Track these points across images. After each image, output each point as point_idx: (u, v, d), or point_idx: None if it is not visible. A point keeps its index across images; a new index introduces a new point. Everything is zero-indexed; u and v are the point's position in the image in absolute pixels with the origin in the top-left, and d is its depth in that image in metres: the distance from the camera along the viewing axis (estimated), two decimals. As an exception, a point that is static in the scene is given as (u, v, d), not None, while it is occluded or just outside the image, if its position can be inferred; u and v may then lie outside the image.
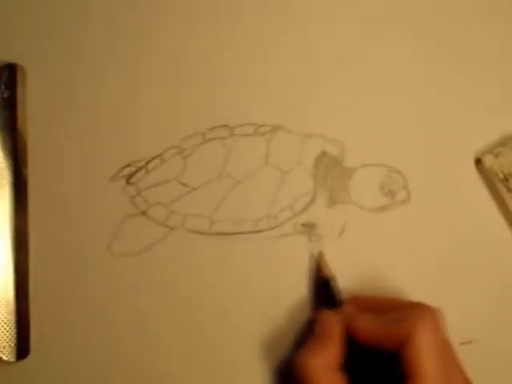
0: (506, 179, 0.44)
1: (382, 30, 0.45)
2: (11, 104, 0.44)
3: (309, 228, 0.45)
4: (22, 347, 0.43)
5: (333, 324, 0.41)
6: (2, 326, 0.43)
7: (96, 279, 0.44)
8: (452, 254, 0.45)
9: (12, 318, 0.43)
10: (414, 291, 0.45)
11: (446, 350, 0.39)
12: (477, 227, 0.45)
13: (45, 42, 0.44)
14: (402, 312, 0.40)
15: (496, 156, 0.44)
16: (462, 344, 0.44)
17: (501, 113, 0.46)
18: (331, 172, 0.45)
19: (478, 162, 0.45)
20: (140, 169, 0.44)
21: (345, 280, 0.44)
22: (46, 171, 0.44)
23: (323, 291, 0.43)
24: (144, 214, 0.44)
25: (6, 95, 0.43)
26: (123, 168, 0.44)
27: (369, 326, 0.40)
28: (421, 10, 0.46)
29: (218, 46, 0.45)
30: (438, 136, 0.45)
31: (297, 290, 0.44)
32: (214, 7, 0.45)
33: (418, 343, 0.38)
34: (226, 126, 0.45)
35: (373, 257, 0.45)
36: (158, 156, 0.44)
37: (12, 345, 0.43)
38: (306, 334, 0.42)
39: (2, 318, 0.43)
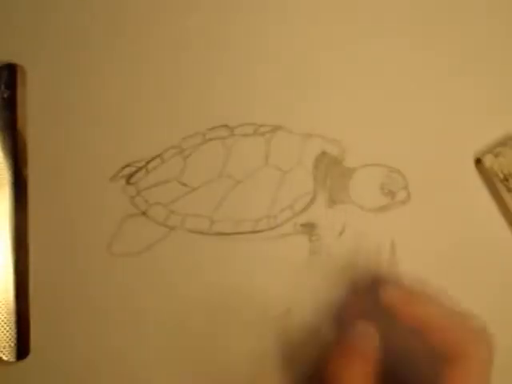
0: (506, 179, 0.44)
1: (382, 30, 0.45)
2: (11, 104, 0.44)
3: (309, 228, 0.45)
4: (22, 347, 0.43)
5: (370, 337, 0.39)
6: (2, 326, 0.43)
7: (96, 279, 0.44)
8: (452, 253, 0.45)
9: (12, 318, 0.43)
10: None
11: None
12: (477, 227, 0.45)
13: (45, 42, 0.44)
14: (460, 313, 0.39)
15: (496, 156, 0.44)
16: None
17: (501, 113, 0.46)
18: (331, 172, 0.45)
19: (478, 161, 0.45)
20: (140, 169, 0.44)
21: (344, 280, 0.44)
22: (45, 171, 0.44)
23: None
24: (144, 213, 0.44)
25: (5, 95, 0.43)
26: (123, 168, 0.44)
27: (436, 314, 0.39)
28: (421, 10, 0.46)
29: (218, 46, 0.45)
30: (438, 136, 0.45)
31: (297, 290, 0.44)
32: (213, 7, 0.45)
33: (470, 362, 0.37)
34: (226, 125, 0.45)
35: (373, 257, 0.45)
36: (158, 156, 0.44)
37: (12, 345, 0.43)
38: (341, 344, 0.41)
39: (2, 318, 0.43)
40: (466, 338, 0.38)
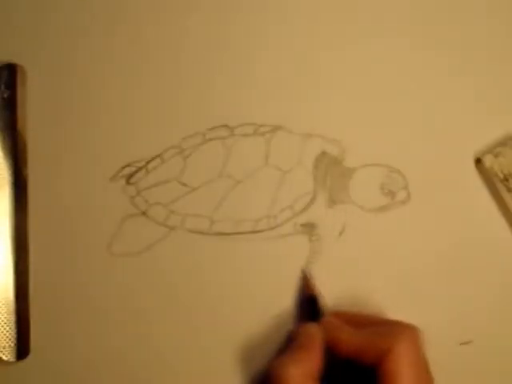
0: (506, 179, 0.44)
1: (382, 30, 0.45)
2: (11, 104, 0.44)
3: (309, 228, 0.44)
4: (22, 347, 0.43)
5: (315, 335, 0.41)
6: (2, 326, 0.43)
7: (96, 279, 0.44)
8: (452, 253, 0.45)
9: (12, 318, 0.43)
10: (413, 290, 0.45)
11: (423, 368, 0.40)
12: (477, 227, 0.45)
13: (45, 42, 0.44)
14: (383, 327, 0.41)
15: (496, 156, 0.44)
16: (462, 344, 0.44)
17: (501, 113, 0.46)
18: (331, 172, 0.45)
19: (478, 161, 0.45)
20: (140, 169, 0.44)
21: (345, 280, 0.44)
22: (45, 171, 0.44)
23: (307, 306, 0.43)
24: (144, 213, 0.44)
25: (5, 95, 0.43)
26: (123, 168, 0.44)
27: (349, 338, 0.40)
28: (421, 10, 0.46)
29: (218, 46, 0.45)
30: (438, 136, 0.45)
31: (297, 289, 0.44)
32: (214, 7, 0.45)
33: (397, 357, 0.38)
34: (226, 126, 0.45)
35: (373, 257, 0.45)
36: (158, 156, 0.44)
37: (12, 345, 0.43)
38: (287, 344, 0.42)
39: (2, 318, 0.43)
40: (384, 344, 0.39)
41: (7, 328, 0.43)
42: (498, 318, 0.45)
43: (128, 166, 0.44)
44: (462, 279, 0.45)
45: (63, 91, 0.44)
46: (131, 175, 0.44)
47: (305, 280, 0.44)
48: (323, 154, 0.45)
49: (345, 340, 0.40)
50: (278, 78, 0.45)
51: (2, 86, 0.43)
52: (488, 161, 0.44)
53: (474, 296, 0.44)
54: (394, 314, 0.44)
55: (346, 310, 0.44)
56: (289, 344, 0.42)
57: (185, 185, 0.44)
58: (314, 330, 0.41)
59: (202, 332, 0.44)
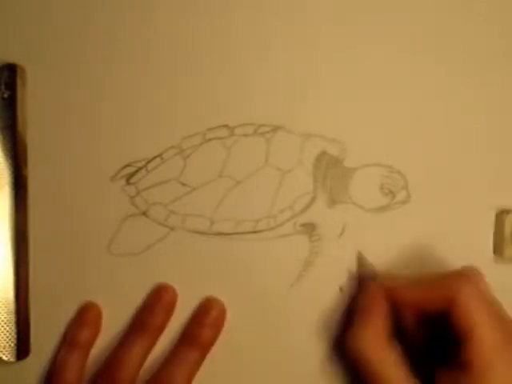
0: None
1: (382, 30, 0.45)
2: (11, 104, 0.44)
3: (309, 228, 0.44)
4: (22, 347, 0.43)
5: (376, 294, 0.41)
6: (2, 326, 0.43)
7: (96, 279, 0.44)
8: (452, 253, 0.45)
9: (12, 317, 0.43)
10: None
11: (493, 301, 0.39)
12: (477, 227, 0.45)
13: (45, 42, 0.44)
14: (443, 274, 0.40)
15: None
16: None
17: (501, 112, 0.46)
18: (331, 172, 0.45)
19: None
20: (140, 169, 0.44)
21: (344, 280, 0.44)
22: (45, 171, 0.44)
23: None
24: (144, 213, 0.44)
25: (6, 95, 0.43)
26: (123, 168, 0.44)
27: (409, 292, 0.40)
28: (421, 10, 0.45)
29: (218, 46, 0.45)
30: (438, 136, 0.45)
31: (296, 289, 0.44)
32: (213, 7, 0.45)
33: (465, 299, 0.38)
34: (225, 126, 0.45)
35: (373, 257, 0.45)
36: (158, 156, 0.44)
37: (12, 345, 0.43)
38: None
39: (2, 318, 0.43)
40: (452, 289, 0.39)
41: (7, 328, 0.43)
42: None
43: (128, 165, 0.44)
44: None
45: (63, 91, 0.44)
46: (131, 175, 0.44)
47: (360, 260, 0.44)
48: (323, 154, 0.45)
49: (406, 295, 0.40)
50: (278, 78, 0.45)
51: (2, 86, 0.43)
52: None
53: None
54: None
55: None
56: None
57: (185, 185, 0.44)
58: (374, 289, 0.41)
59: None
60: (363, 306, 0.41)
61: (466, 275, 0.40)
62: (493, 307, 0.39)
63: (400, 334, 0.41)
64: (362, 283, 0.44)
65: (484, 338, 0.38)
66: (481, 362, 0.37)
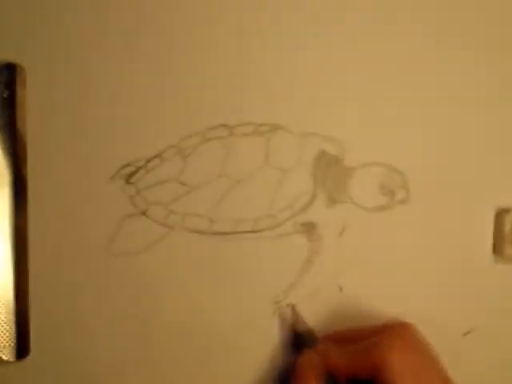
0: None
1: (381, 30, 0.45)
2: (11, 104, 0.44)
3: (308, 227, 0.44)
4: (22, 347, 0.43)
5: (309, 365, 0.41)
6: (2, 326, 0.43)
7: (96, 279, 0.44)
8: (451, 253, 0.45)
9: (12, 317, 0.43)
10: (413, 289, 0.45)
11: (422, 364, 0.40)
12: (476, 227, 0.45)
13: (45, 42, 0.44)
14: (373, 337, 0.41)
15: None
16: (465, 335, 0.44)
17: (501, 112, 0.46)
18: (331, 171, 0.45)
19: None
20: (139, 168, 0.44)
21: (345, 279, 0.44)
22: (45, 171, 0.44)
23: (300, 339, 0.43)
24: (143, 213, 0.44)
25: (5, 95, 0.43)
26: (123, 167, 0.44)
27: (339, 359, 0.41)
28: (421, 10, 0.45)
29: (217, 46, 0.45)
30: (438, 135, 0.45)
31: (296, 289, 0.44)
32: (212, 7, 0.45)
33: (388, 370, 0.39)
34: (225, 125, 0.45)
35: (373, 256, 0.45)
36: (158, 155, 0.44)
37: (12, 344, 0.43)
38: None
39: (2, 317, 0.43)
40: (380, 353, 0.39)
41: (7, 328, 0.43)
42: (498, 316, 0.45)
43: (127, 165, 0.44)
44: (462, 279, 0.45)
45: (63, 91, 0.44)
46: (131, 175, 0.44)
47: (294, 316, 0.44)
48: (323, 153, 0.45)
49: (336, 362, 0.41)
50: (278, 78, 0.45)
51: (2, 86, 0.43)
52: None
53: (473, 295, 0.44)
54: (393, 312, 0.44)
55: (336, 329, 0.44)
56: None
57: (184, 184, 0.44)
58: (307, 361, 0.42)
59: (201, 332, 0.44)
60: (299, 373, 0.41)
61: (392, 341, 0.40)
62: (416, 375, 0.39)
63: None
64: (297, 340, 0.44)
65: None
66: None
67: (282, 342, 0.44)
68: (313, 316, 0.44)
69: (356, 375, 0.40)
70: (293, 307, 0.44)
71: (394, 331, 0.41)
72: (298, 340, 0.43)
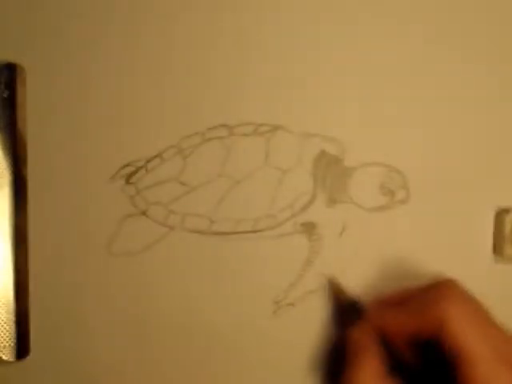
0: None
1: (381, 31, 0.45)
2: (11, 104, 0.44)
3: (308, 227, 0.44)
4: (22, 347, 0.43)
5: (363, 335, 0.40)
6: (2, 326, 0.43)
7: (96, 279, 0.44)
8: (451, 253, 0.45)
9: (12, 317, 0.43)
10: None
11: (480, 317, 0.39)
12: (476, 227, 0.45)
13: (45, 42, 0.44)
14: (425, 296, 0.39)
15: None
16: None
17: (501, 112, 0.46)
18: (331, 171, 0.45)
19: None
20: (139, 168, 0.44)
21: (345, 279, 0.44)
22: (45, 171, 0.44)
23: (348, 310, 0.43)
24: (143, 213, 0.44)
25: (5, 95, 0.43)
26: (123, 167, 0.44)
27: (398, 321, 0.39)
28: (421, 10, 0.45)
29: (217, 46, 0.45)
30: (438, 135, 0.45)
31: (296, 289, 0.44)
32: (212, 7, 0.45)
33: (450, 325, 0.37)
34: (225, 125, 0.45)
35: (373, 256, 0.45)
36: (158, 155, 0.44)
37: (12, 344, 0.43)
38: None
39: (2, 317, 0.43)
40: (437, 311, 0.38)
41: (7, 328, 0.43)
42: (498, 315, 0.45)
43: (127, 165, 0.44)
44: (462, 279, 0.45)
45: (63, 91, 0.44)
46: (131, 175, 0.44)
47: (335, 288, 0.44)
48: (323, 153, 0.45)
49: (396, 324, 0.39)
50: (278, 78, 0.45)
51: (2, 86, 0.43)
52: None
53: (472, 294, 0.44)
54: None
55: (380, 295, 0.43)
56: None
57: (184, 184, 0.44)
58: (360, 331, 0.41)
59: (201, 332, 0.44)
60: (354, 348, 0.41)
61: (447, 293, 0.39)
62: (480, 322, 0.38)
63: (395, 362, 0.40)
64: (343, 313, 0.43)
65: (475, 364, 0.37)
66: None
67: (329, 318, 0.44)
68: (313, 316, 0.44)
69: (418, 335, 0.39)
70: (331, 280, 0.44)
71: (448, 285, 0.39)
72: (346, 313, 0.43)
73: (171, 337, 0.44)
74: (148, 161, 0.44)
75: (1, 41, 0.44)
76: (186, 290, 0.44)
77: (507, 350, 0.38)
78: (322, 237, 0.44)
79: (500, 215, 0.45)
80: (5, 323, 0.43)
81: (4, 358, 0.43)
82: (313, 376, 0.44)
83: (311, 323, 0.44)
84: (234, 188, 0.44)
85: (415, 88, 0.45)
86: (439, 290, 0.39)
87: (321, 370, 0.44)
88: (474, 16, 0.46)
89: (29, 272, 0.44)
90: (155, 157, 0.44)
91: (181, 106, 0.44)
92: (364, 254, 0.45)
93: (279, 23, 0.45)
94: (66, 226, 0.44)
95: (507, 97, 0.46)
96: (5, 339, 0.43)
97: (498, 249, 0.45)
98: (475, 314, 0.38)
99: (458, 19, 0.46)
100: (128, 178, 0.44)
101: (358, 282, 0.45)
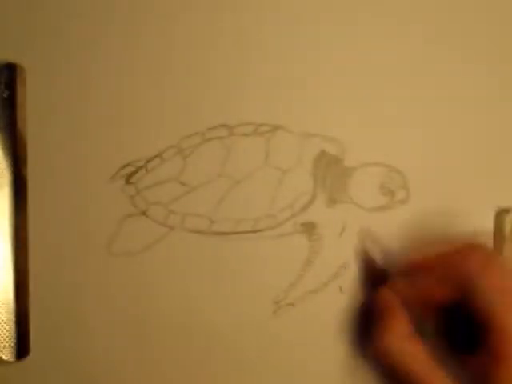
0: None
1: (381, 31, 0.45)
2: (11, 104, 0.44)
3: (308, 227, 0.44)
4: (22, 347, 0.43)
5: (390, 298, 0.41)
6: (2, 326, 0.43)
7: (96, 279, 0.44)
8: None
9: (12, 317, 0.43)
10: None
11: (504, 272, 0.39)
12: (476, 227, 0.45)
13: (45, 42, 0.44)
14: (452, 260, 0.40)
15: None
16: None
17: (501, 112, 0.46)
18: (331, 171, 0.45)
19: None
20: (139, 168, 0.44)
21: (345, 279, 0.44)
22: (45, 171, 0.44)
23: (376, 275, 0.43)
24: (143, 213, 0.44)
25: (5, 95, 0.43)
26: (123, 168, 0.44)
27: (430, 282, 0.40)
28: (421, 10, 0.46)
29: (217, 46, 0.45)
30: (438, 135, 0.45)
31: (296, 289, 0.44)
32: (212, 6, 0.45)
33: (478, 286, 0.38)
34: (225, 125, 0.45)
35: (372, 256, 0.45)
36: (158, 155, 0.44)
37: (12, 344, 0.43)
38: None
39: (2, 317, 0.43)
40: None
41: (7, 328, 0.43)
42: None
43: (127, 165, 0.44)
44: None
45: (63, 91, 0.44)
46: (131, 175, 0.44)
47: (364, 242, 0.44)
48: (323, 153, 0.45)
49: (428, 286, 0.40)
50: (278, 78, 0.45)
51: (2, 86, 0.43)
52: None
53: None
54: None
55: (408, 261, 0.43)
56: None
57: (184, 184, 0.44)
58: (386, 295, 0.41)
59: (201, 332, 0.44)
60: (381, 310, 0.41)
61: (472, 255, 0.39)
62: (506, 281, 0.38)
63: (421, 326, 0.41)
64: (373, 277, 0.43)
65: (506, 326, 0.37)
66: (507, 350, 0.37)
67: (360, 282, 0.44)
68: (313, 316, 0.44)
69: (451, 297, 0.39)
70: (362, 230, 0.44)
71: (475, 248, 0.40)
72: (375, 277, 0.43)
73: (171, 337, 0.44)
74: (148, 161, 0.44)
75: (1, 41, 0.44)
76: (186, 290, 0.44)
77: None
78: (322, 237, 0.44)
79: (500, 215, 0.45)
80: (5, 323, 0.43)
81: (4, 357, 0.43)
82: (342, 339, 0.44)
83: (311, 323, 0.44)
84: (234, 188, 0.44)
85: (415, 88, 0.45)
86: (465, 253, 0.40)
87: (350, 333, 0.44)
88: (474, 16, 0.46)
89: (29, 272, 0.44)
90: (155, 157, 0.44)
91: (181, 106, 0.44)
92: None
93: (279, 23, 0.45)
94: (66, 226, 0.44)
95: (507, 97, 0.46)
96: (5, 339, 0.43)
97: (497, 249, 0.45)
98: (499, 270, 0.39)
99: (458, 19, 0.46)
100: (128, 178, 0.44)
101: (357, 282, 0.45)
